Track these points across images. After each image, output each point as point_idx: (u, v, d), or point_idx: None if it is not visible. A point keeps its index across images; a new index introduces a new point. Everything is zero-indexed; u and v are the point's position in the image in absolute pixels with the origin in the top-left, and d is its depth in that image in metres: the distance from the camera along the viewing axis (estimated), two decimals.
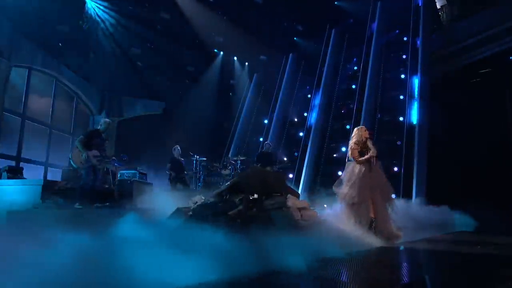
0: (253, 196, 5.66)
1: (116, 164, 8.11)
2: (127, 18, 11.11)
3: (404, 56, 13.13)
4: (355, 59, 14.40)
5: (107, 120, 6.82)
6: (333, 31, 14.78)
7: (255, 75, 16.02)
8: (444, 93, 11.57)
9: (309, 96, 15.02)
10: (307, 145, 13.32)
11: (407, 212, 7.61)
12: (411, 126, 11.64)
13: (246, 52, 15.56)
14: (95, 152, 6.40)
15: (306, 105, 14.70)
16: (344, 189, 5.28)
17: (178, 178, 8.52)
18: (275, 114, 15.03)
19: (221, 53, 15.51)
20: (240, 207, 5.38)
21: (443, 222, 7.36)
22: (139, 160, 10.07)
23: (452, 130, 10.84)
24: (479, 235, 6.28)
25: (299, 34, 15.31)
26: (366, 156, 5.63)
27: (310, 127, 13.76)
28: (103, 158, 6.52)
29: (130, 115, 11.80)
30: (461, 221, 7.62)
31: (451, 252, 4.26)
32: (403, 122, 11.94)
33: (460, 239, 5.29)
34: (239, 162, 10.28)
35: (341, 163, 11.40)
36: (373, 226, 5.25)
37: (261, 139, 15.08)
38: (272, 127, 14.84)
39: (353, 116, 13.00)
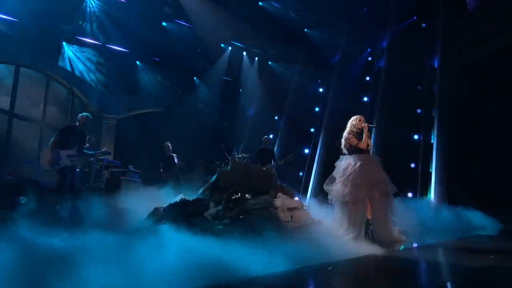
0: (237, 195, 5.13)
1: (104, 160, 7.84)
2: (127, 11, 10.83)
3: (422, 44, 12.14)
4: (369, 49, 13.51)
5: (83, 114, 6.37)
6: (345, 20, 13.95)
7: (265, 70, 15.43)
8: (466, 83, 10.53)
9: (320, 90, 14.32)
10: (318, 142, 12.64)
11: (419, 212, 6.82)
12: (430, 118, 10.68)
13: (256, 47, 15.00)
14: (68, 152, 5.93)
15: (317, 100, 14.00)
16: (335, 187, 4.64)
17: (170, 175, 8.22)
18: (286, 109, 14.41)
19: (229, 48, 15.04)
20: (219, 207, 4.87)
21: (461, 224, 6.50)
22: (140, 160, 9.79)
23: (476, 122, 9.80)
24: (497, 240, 5.42)
25: (310, 25, 14.58)
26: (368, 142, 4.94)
27: (321, 122, 13.06)
28: (83, 156, 6.13)
29: (130, 113, 11.56)
30: (482, 223, 6.71)
31: (455, 264, 3.53)
32: (420, 113, 11.01)
33: (473, 245, 4.50)
34: (243, 159, 9.80)
35: None
36: (370, 229, 4.57)
37: (271, 136, 14.54)
38: (282, 123, 14.25)
39: (367, 110, 12.22)
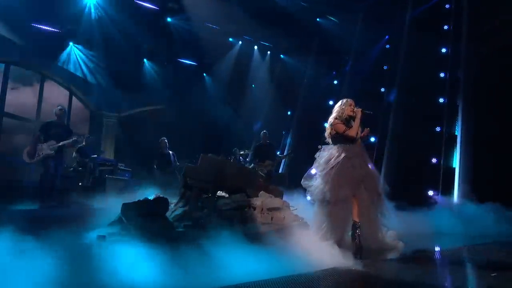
0: (208, 193, 4.59)
1: (98, 158, 7.59)
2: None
3: (445, 27, 10.99)
4: (387, 36, 12.50)
5: (58, 107, 6.39)
6: (361, 6, 12.99)
7: (276, 63, 14.81)
8: (494, 70, 9.33)
9: (335, 82, 13.50)
10: None
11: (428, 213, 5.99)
12: (453, 108, 9.60)
13: (267, 40, 14.40)
14: (50, 142, 6.04)
15: (331, 93, 13.17)
16: (315, 182, 3.95)
17: (165, 173, 7.79)
18: (299, 103, 13.72)
19: (240, 42, 14.54)
20: (186, 208, 4.34)
21: (480, 227, 5.58)
22: (141, 160, 9.51)
23: (504, 112, 8.63)
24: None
25: (322, 14, 13.76)
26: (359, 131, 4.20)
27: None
28: (63, 145, 5.98)
29: (131, 111, 11.33)
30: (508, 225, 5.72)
31: (444, 281, 2.76)
32: (443, 103, 9.94)
33: (481, 255, 3.64)
34: (246, 155, 9.32)
35: None
36: (357, 233, 3.86)
37: (283, 132, 13.91)
38: (295, 118, 13.59)
39: (382, 100, 11.29)
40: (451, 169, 9.00)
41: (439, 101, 10.08)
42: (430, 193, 9.18)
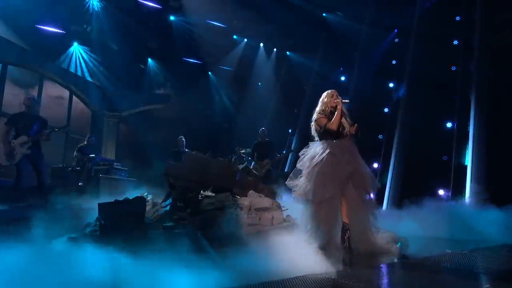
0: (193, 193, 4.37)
1: (97, 158, 7.48)
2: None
3: (457, 18, 10.47)
4: (396, 30, 12.04)
5: (26, 97, 5.96)
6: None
7: (282, 61, 14.52)
8: (509, 63, 8.79)
9: (342, 78, 13.11)
10: None
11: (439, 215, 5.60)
12: (466, 103, 9.10)
13: (272, 37, 14.14)
14: (22, 139, 5.52)
15: (339, 89, 12.76)
16: (297, 181, 3.67)
17: None
18: (306, 100, 13.39)
19: (245, 40, 14.32)
20: (168, 208, 4.14)
21: (490, 230, 5.17)
22: (144, 159, 9.40)
23: None
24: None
25: (329, 9, 13.38)
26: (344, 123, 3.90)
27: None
28: (37, 139, 5.60)
29: (132, 110, 11.25)
30: None
31: None
32: (454, 98, 9.45)
33: (477, 262, 3.28)
34: (249, 153, 9.05)
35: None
36: (346, 236, 3.56)
37: (290, 130, 13.62)
38: (302, 115, 13.26)
39: (391, 95, 10.87)
40: (462, 167, 8.52)
41: (450, 96, 9.60)
42: (441, 192, 8.75)
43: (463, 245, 4.45)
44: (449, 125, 9.34)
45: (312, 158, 3.61)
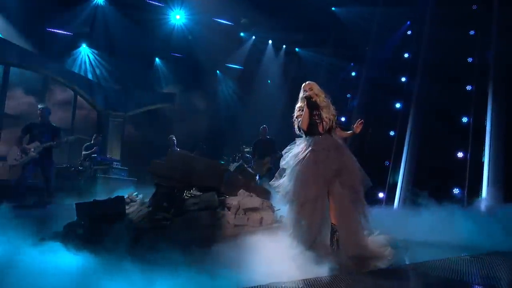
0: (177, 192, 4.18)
1: (98, 158, 7.46)
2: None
3: (474, 7, 9.89)
4: (408, 22, 11.52)
5: (39, 107, 6.32)
6: None
7: (291, 57, 14.24)
8: None
9: (353, 74, 12.69)
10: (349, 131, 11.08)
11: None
12: (483, 96, 8.55)
13: (280, 33, 13.89)
14: (34, 144, 5.94)
15: (349, 85, 12.39)
16: (281, 180, 3.42)
17: None
18: None
19: (253, 37, 14.12)
20: (150, 208, 3.97)
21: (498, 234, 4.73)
22: (149, 159, 9.30)
23: None
24: None
25: (338, 3, 12.99)
26: (347, 133, 3.71)
27: (352, 110, 11.49)
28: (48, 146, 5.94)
29: (138, 110, 11.22)
30: None
31: None
32: (470, 91, 8.92)
33: (484, 268, 2.92)
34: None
35: None
36: (335, 238, 3.29)
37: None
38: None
39: (402, 92, 10.39)
40: (479, 165, 8.00)
41: (466, 89, 9.07)
42: (455, 191, 8.26)
43: (471, 251, 4.05)
44: (464, 120, 8.81)
45: (296, 155, 3.35)
